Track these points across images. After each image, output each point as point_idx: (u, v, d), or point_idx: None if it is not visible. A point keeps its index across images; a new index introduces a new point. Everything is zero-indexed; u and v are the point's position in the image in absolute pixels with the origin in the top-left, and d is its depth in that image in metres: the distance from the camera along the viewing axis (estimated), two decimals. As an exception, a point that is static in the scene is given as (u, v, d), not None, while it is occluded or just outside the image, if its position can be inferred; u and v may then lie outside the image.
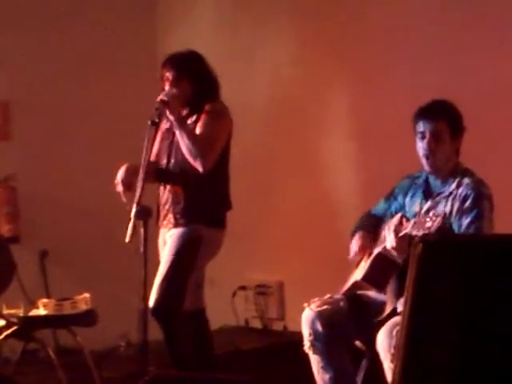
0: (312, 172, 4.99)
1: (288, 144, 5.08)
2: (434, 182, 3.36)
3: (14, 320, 4.09)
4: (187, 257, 3.78)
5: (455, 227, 3.17)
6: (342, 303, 3.36)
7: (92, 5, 5.42)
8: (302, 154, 5.03)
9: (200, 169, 3.71)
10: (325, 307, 3.33)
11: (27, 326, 4.14)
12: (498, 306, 2.01)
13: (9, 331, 4.08)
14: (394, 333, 3.01)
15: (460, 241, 2.30)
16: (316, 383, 3.41)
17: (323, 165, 4.96)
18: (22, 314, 4.11)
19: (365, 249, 3.44)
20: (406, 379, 1.96)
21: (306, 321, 3.34)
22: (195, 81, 3.85)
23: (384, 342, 3.06)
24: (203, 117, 3.79)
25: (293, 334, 4.85)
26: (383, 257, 3.26)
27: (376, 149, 4.61)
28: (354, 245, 3.48)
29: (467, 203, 3.19)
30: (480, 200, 3.20)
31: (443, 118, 3.29)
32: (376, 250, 3.33)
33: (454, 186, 3.27)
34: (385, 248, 3.25)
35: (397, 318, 3.08)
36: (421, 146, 3.31)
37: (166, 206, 3.86)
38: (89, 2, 5.43)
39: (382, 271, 3.27)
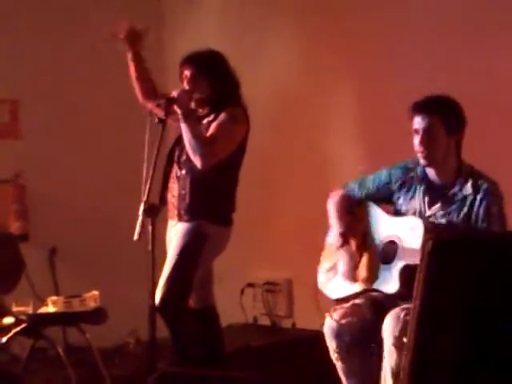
0: (319, 169, 4.99)
1: (294, 141, 5.08)
2: (437, 179, 3.29)
3: (23, 317, 4.10)
4: (192, 253, 3.79)
5: None
6: (367, 312, 3.26)
7: (100, 7, 5.43)
8: (309, 151, 5.03)
9: (198, 165, 3.71)
10: (350, 319, 3.23)
11: (36, 324, 4.15)
12: (507, 303, 2.01)
13: (18, 328, 4.09)
14: (402, 316, 3.00)
15: (470, 238, 2.30)
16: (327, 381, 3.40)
17: (330, 162, 4.96)
18: (31, 312, 4.13)
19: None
20: (415, 371, 1.97)
21: (332, 333, 3.25)
22: (214, 80, 3.83)
23: (390, 325, 3.04)
24: (218, 119, 3.78)
25: (301, 331, 4.86)
26: (412, 268, 3.03)
27: (383, 148, 4.60)
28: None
29: (493, 211, 3.15)
30: (501, 205, 3.18)
31: (437, 113, 3.22)
32: (400, 263, 3.18)
33: (469, 189, 3.21)
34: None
35: (404, 305, 3.06)
36: (415, 143, 3.26)
37: (173, 200, 3.87)
38: (97, 4, 5.44)
39: (412, 281, 3.12)
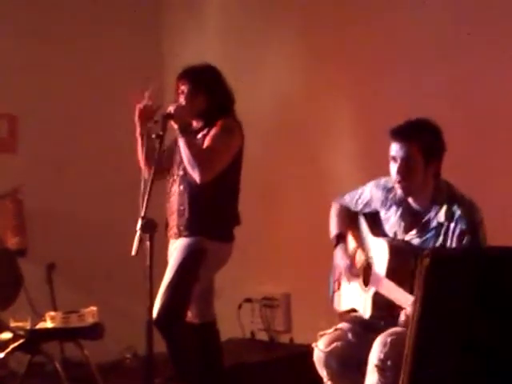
0: (318, 184, 4.99)
1: (294, 155, 5.09)
2: (414, 204, 3.22)
3: (21, 333, 4.09)
4: (190, 268, 3.79)
5: None
6: (349, 335, 3.25)
7: (98, 16, 5.45)
8: (308, 165, 5.03)
9: (197, 179, 3.72)
10: (334, 345, 3.22)
11: (34, 339, 4.14)
12: (504, 319, 2.01)
13: (16, 344, 4.09)
14: (388, 340, 3.00)
15: (467, 254, 2.31)
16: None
17: (329, 176, 4.97)
18: (28, 327, 4.12)
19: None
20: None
21: (320, 362, 3.25)
22: (210, 95, 3.86)
23: (377, 349, 3.03)
24: (213, 131, 3.80)
25: (299, 346, 4.85)
26: (381, 295, 3.13)
27: (383, 162, 4.60)
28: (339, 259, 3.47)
29: (465, 241, 3.04)
30: (476, 234, 3.06)
31: (415, 143, 3.12)
32: (371, 291, 3.19)
33: (442, 217, 3.11)
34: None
35: (393, 329, 3.06)
36: (392, 171, 3.19)
37: (172, 217, 3.88)
38: (95, 13, 5.46)
39: (386, 306, 3.13)
